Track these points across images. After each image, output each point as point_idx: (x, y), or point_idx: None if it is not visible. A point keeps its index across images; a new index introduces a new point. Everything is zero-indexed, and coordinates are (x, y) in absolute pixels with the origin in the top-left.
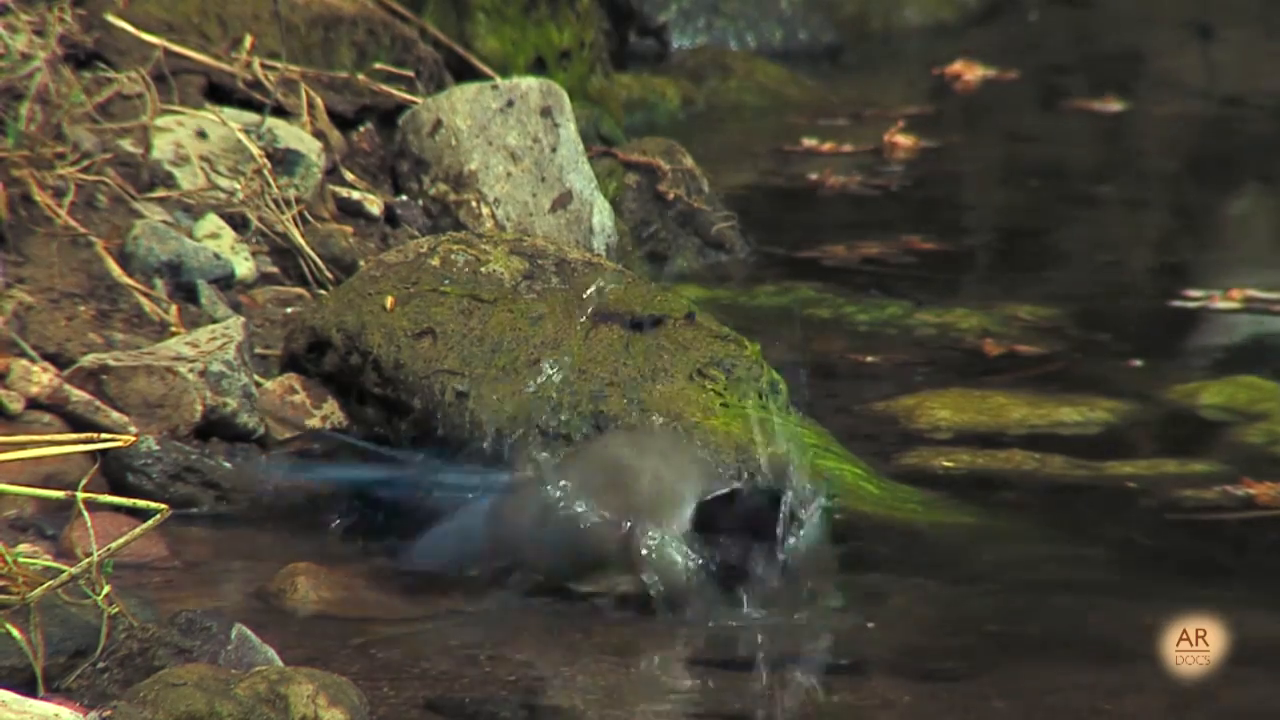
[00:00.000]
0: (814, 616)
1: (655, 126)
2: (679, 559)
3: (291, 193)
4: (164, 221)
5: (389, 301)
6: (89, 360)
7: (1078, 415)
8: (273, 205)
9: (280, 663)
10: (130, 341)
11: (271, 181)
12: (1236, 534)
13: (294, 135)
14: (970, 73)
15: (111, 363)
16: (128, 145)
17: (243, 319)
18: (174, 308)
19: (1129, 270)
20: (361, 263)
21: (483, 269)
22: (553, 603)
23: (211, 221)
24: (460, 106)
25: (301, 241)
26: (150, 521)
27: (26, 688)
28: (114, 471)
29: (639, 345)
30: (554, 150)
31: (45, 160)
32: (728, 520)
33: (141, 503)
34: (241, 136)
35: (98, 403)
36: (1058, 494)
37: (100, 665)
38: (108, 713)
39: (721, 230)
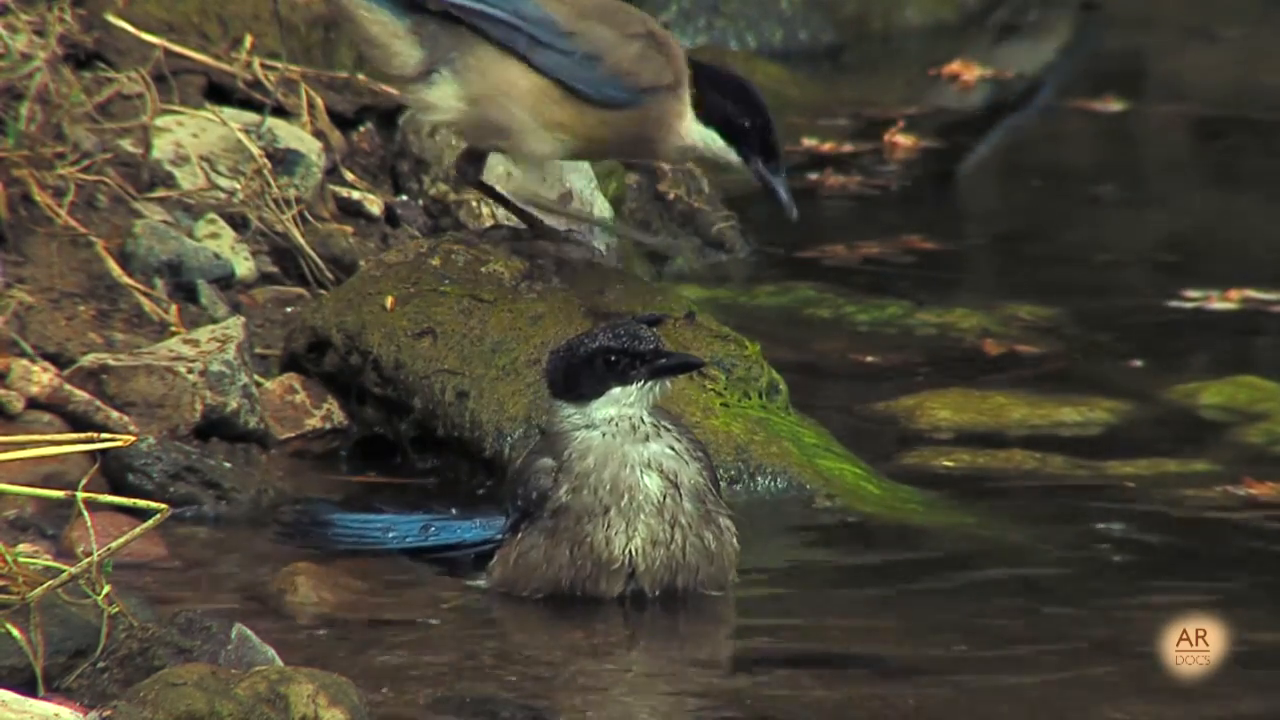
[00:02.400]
0: (813, 615)
1: None
2: None
3: (291, 192)
4: (164, 221)
5: (389, 301)
6: (89, 360)
7: (1078, 415)
8: (273, 205)
9: (280, 662)
10: (130, 341)
11: (271, 181)
12: (1238, 534)
13: (294, 135)
14: (969, 72)
15: (111, 362)
16: (128, 145)
17: (243, 319)
18: (174, 307)
19: (1129, 270)
20: (362, 262)
21: (483, 269)
22: (554, 603)
23: (211, 221)
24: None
25: (301, 241)
26: (150, 521)
27: (27, 687)
28: (114, 471)
29: None
30: None
31: (45, 160)
32: None
33: (141, 503)
34: (241, 136)
35: (98, 402)
36: (1058, 494)
37: (100, 665)
38: (108, 712)
39: (721, 230)
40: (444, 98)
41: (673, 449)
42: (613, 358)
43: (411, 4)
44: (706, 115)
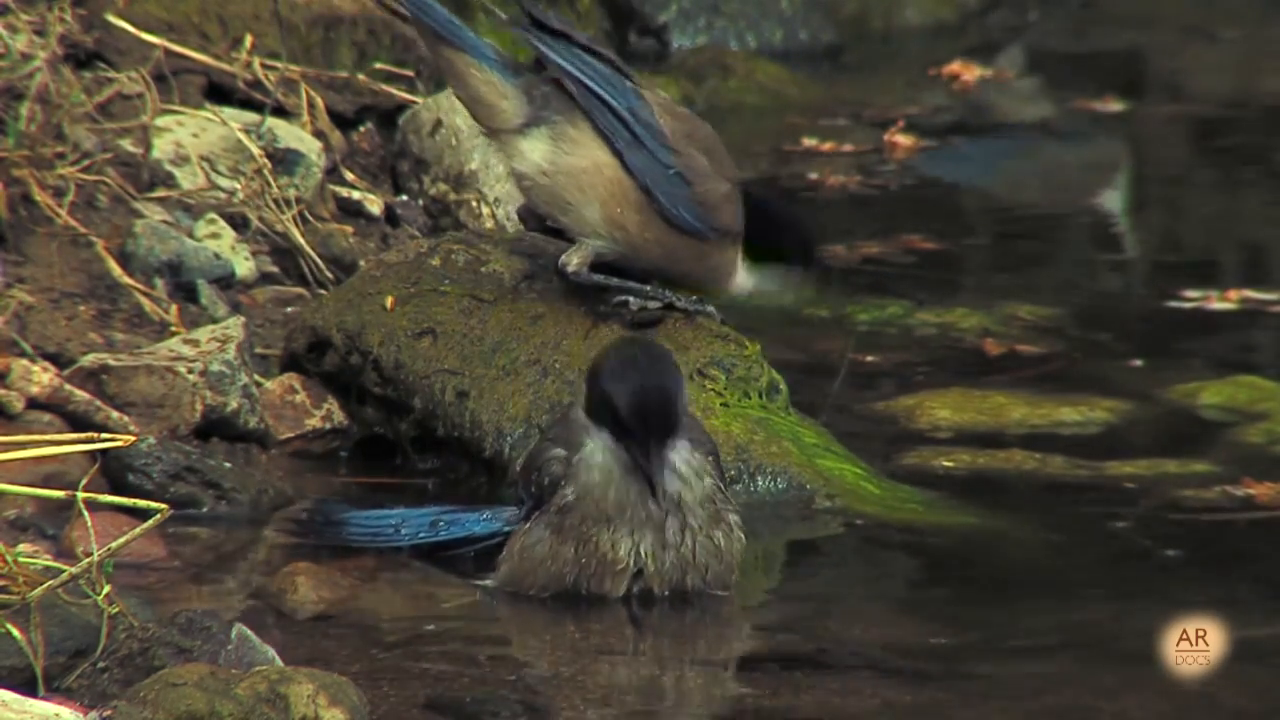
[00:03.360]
0: (813, 615)
1: None
2: None
3: (291, 192)
4: (164, 221)
5: (389, 301)
6: (89, 360)
7: (1078, 415)
8: (273, 205)
9: (280, 662)
10: (130, 341)
11: (271, 181)
12: (1237, 534)
13: (294, 135)
14: (969, 72)
15: (112, 362)
16: (128, 145)
17: (243, 319)
18: (174, 307)
19: (1128, 270)
20: (362, 262)
21: (483, 268)
22: (555, 602)
23: (212, 221)
24: (461, 106)
25: (301, 241)
26: (150, 521)
27: (27, 687)
28: (114, 471)
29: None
30: None
31: (45, 160)
32: None
33: (142, 503)
34: (241, 136)
35: (98, 402)
36: (1058, 494)
37: (100, 665)
38: (108, 712)
39: None
40: (532, 150)
41: (678, 471)
42: (609, 407)
43: (524, 66)
44: (752, 256)
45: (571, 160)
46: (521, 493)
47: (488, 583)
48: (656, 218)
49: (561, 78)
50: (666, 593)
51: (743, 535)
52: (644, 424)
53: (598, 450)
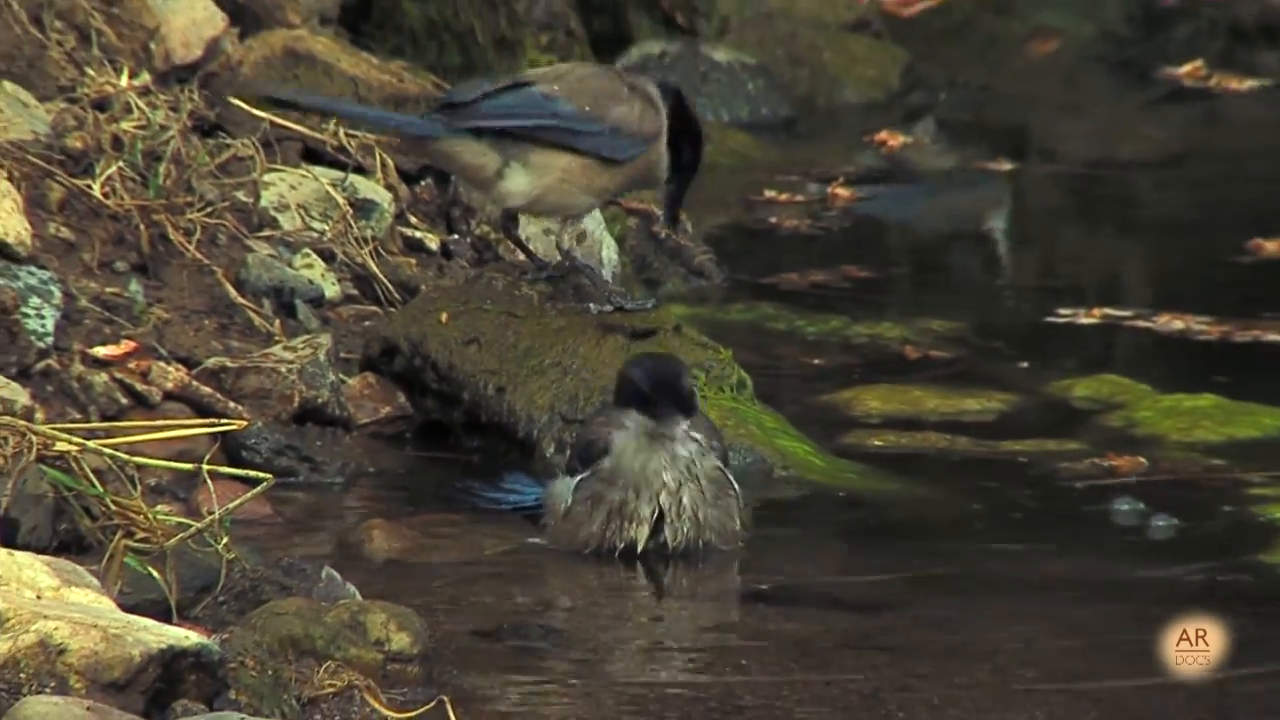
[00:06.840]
0: (774, 560)
1: None
2: None
3: (368, 233)
4: (270, 255)
5: (444, 316)
6: (211, 362)
7: (978, 405)
8: (354, 242)
9: (360, 597)
10: (243, 348)
11: (352, 224)
12: (1101, 495)
13: (370, 188)
14: (894, 139)
15: (229, 364)
16: (241, 196)
17: (331, 330)
18: (277, 322)
19: (1016, 292)
20: (423, 287)
21: (517, 292)
22: (577, 554)
23: (307, 255)
24: None
25: (376, 270)
26: (259, 488)
27: (163, 615)
28: (231, 449)
29: (638, 350)
30: None
31: (178, 207)
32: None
33: (252, 473)
34: (329, 189)
35: (218, 395)
36: (963, 466)
37: (220, 599)
38: (226, 635)
39: (702, 261)
40: (518, 185)
41: (690, 452)
42: (633, 388)
43: (481, 129)
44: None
45: (548, 176)
46: (574, 463)
47: (537, 540)
48: (615, 166)
49: (505, 130)
50: (682, 547)
51: (740, 508)
52: (658, 390)
53: (628, 429)
